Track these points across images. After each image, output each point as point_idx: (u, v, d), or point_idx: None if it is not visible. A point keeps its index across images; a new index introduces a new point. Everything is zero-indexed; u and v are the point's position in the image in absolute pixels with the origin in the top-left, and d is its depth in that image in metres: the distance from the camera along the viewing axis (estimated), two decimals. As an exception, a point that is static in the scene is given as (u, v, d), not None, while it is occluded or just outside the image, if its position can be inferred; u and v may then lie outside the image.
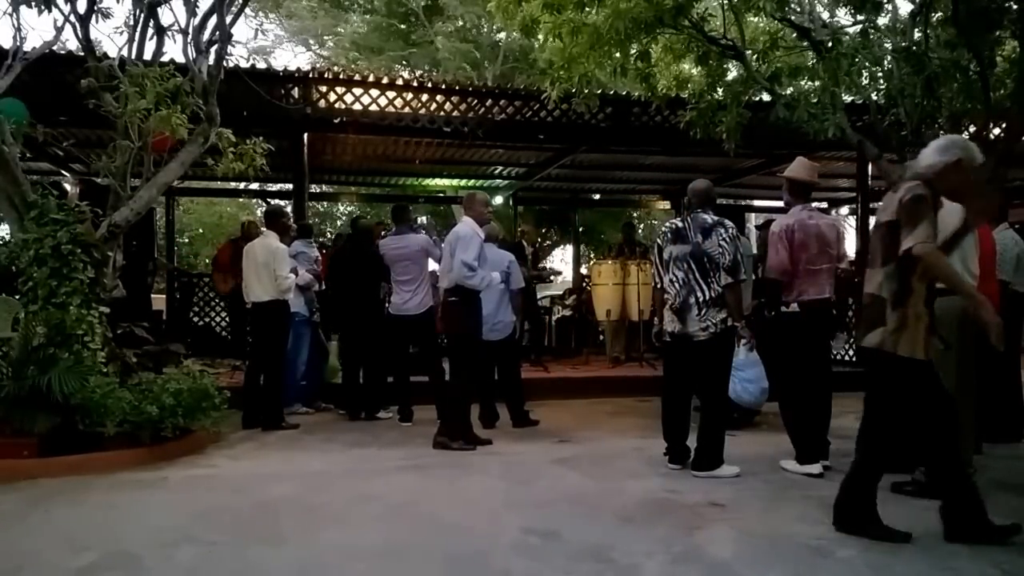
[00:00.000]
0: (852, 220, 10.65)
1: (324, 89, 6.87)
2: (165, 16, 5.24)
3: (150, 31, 5.07)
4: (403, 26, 15.44)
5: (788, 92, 6.13)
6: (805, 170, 4.06)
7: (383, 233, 6.33)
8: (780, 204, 4.25)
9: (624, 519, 3.13)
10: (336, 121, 6.92)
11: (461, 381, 4.69)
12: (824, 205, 12.12)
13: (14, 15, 5.08)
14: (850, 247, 8.96)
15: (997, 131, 5.61)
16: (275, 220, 5.66)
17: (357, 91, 6.92)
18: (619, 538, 2.87)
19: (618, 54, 5.84)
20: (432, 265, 6.03)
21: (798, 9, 5.96)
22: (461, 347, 4.71)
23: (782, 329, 4.01)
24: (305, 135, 7.03)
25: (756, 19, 6.24)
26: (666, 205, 11.53)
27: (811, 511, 3.23)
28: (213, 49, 5.07)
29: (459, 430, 4.59)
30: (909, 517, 3.13)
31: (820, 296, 3.91)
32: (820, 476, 3.81)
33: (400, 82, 7.35)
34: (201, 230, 17.17)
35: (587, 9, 5.60)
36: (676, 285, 3.94)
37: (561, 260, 16.30)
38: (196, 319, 9.02)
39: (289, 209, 7.31)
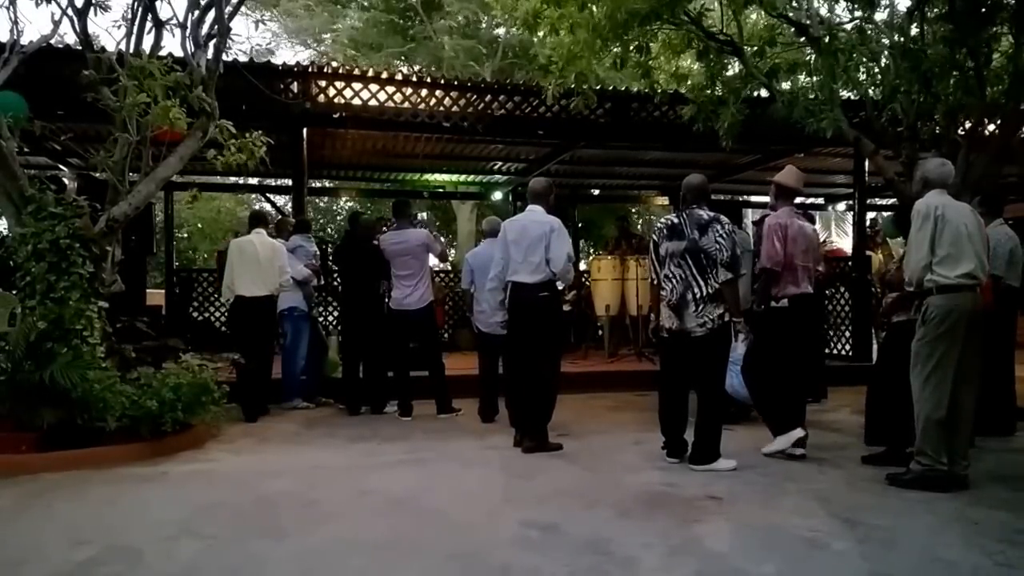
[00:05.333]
0: (849, 216, 10.67)
1: (323, 84, 6.86)
2: (163, 10, 5.21)
3: (148, 25, 5.06)
4: (401, 21, 15.38)
5: (786, 88, 6.14)
6: (794, 178, 4.37)
7: (384, 229, 6.35)
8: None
9: (622, 512, 3.15)
10: (335, 116, 6.91)
11: (556, 381, 4.45)
12: (821, 201, 12.18)
13: (11, 8, 5.06)
14: (847, 244, 9.02)
15: (992, 127, 5.63)
16: (262, 222, 5.90)
17: (356, 86, 6.91)
18: (617, 531, 2.90)
19: (617, 48, 5.84)
20: (432, 260, 6.04)
21: (795, 5, 5.96)
22: (555, 344, 4.50)
23: (773, 323, 4.14)
24: (304, 130, 7.02)
25: (754, 16, 6.24)
26: (665, 201, 11.55)
27: (807, 504, 3.26)
28: (212, 43, 5.06)
29: (546, 432, 4.38)
30: (905, 510, 3.17)
31: (806, 291, 4.16)
32: (803, 440, 4.03)
33: (399, 77, 7.34)
34: (200, 225, 17.15)
35: (588, 6, 5.59)
36: (673, 281, 3.96)
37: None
38: (195, 314, 9.02)
39: (288, 206, 7.32)
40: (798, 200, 4.46)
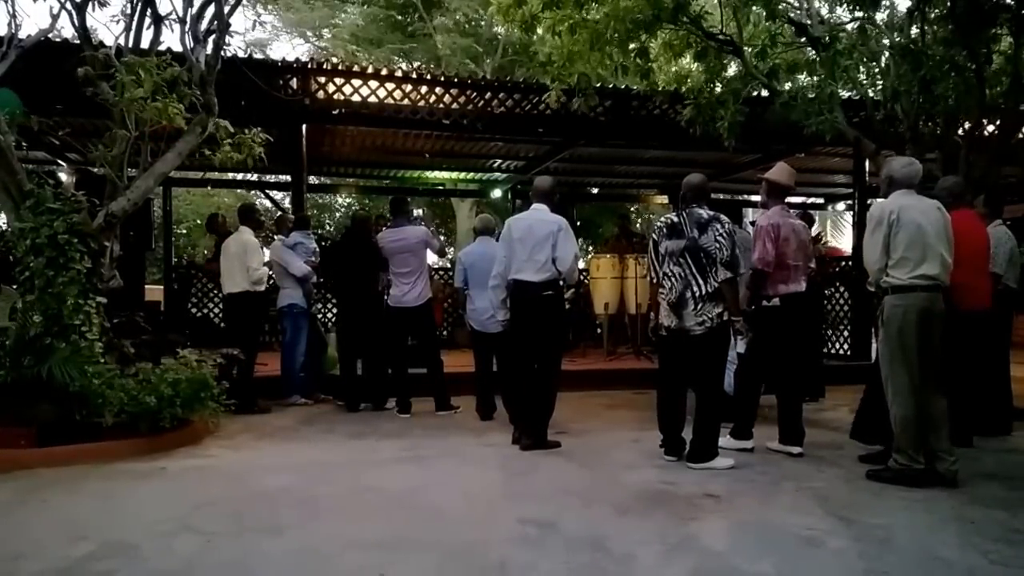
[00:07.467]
0: (848, 216, 10.67)
1: (323, 80, 6.85)
2: (163, 5, 5.20)
3: (147, 20, 5.04)
4: (401, 17, 15.35)
5: (786, 88, 6.15)
6: (785, 175, 4.35)
7: (383, 227, 6.35)
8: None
9: (620, 510, 3.15)
10: (335, 112, 6.91)
11: (556, 380, 4.45)
12: (820, 201, 12.19)
13: (9, 2, 5.04)
14: (847, 243, 9.04)
15: (991, 128, 5.64)
16: (248, 216, 5.94)
17: (356, 82, 6.91)
18: (615, 529, 2.90)
19: (620, 58, 5.86)
20: (431, 257, 6.04)
21: (796, 4, 5.96)
22: (557, 343, 4.52)
23: (765, 322, 4.18)
24: (304, 126, 7.01)
25: (754, 16, 6.25)
26: (664, 199, 11.55)
27: (805, 502, 3.27)
28: (211, 39, 5.04)
29: (546, 430, 4.37)
30: (902, 509, 3.18)
31: (798, 290, 4.19)
32: (751, 451, 4.19)
33: (399, 74, 7.33)
34: (199, 221, 17.11)
35: (586, 8, 5.59)
36: (672, 280, 3.96)
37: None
38: (194, 310, 9.02)
39: (287, 202, 7.31)
40: (799, 200, 4.48)
